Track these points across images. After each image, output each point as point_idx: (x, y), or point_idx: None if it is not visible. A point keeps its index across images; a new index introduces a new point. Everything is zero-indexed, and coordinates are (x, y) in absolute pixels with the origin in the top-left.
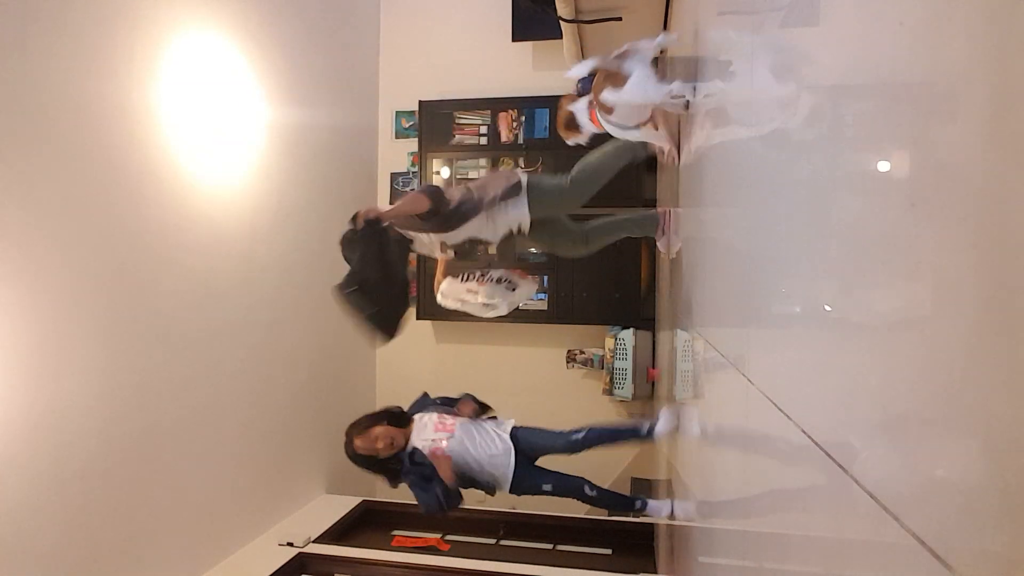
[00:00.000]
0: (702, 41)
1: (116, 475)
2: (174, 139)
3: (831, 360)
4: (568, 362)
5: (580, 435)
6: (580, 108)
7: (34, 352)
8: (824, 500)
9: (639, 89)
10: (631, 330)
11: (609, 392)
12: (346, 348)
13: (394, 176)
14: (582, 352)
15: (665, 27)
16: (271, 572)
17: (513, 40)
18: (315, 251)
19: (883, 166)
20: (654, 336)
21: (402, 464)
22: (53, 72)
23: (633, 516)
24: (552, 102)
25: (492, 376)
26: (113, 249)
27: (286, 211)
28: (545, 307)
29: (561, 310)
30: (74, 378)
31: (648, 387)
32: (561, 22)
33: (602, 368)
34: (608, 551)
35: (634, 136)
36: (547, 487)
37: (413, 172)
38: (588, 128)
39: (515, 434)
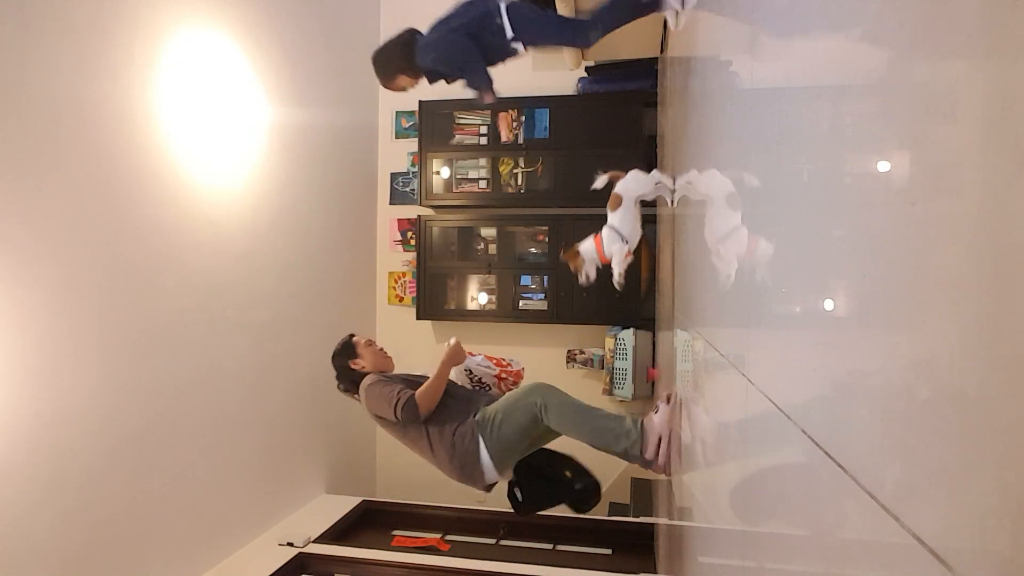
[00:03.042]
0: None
1: (116, 475)
2: (174, 139)
3: (831, 360)
4: (568, 362)
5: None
6: (585, 244)
7: (34, 353)
8: (824, 500)
9: (632, 180)
10: (631, 330)
11: (609, 392)
12: None
13: (394, 176)
14: (582, 352)
15: (665, 27)
16: (271, 572)
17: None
18: (315, 251)
19: (883, 166)
20: (654, 336)
21: None
22: (52, 72)
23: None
24: (552, 102)
25: None
26: (113, 249)
27: (286, 211)
28: (545, 307)
29: (561, 310)
30: (74, 379)
31: (648, 387)
32: None
33: (602, 368)
34: (608, 551)
35: (619, 252)
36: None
37: (413, 172)
38: (590, 254)
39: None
